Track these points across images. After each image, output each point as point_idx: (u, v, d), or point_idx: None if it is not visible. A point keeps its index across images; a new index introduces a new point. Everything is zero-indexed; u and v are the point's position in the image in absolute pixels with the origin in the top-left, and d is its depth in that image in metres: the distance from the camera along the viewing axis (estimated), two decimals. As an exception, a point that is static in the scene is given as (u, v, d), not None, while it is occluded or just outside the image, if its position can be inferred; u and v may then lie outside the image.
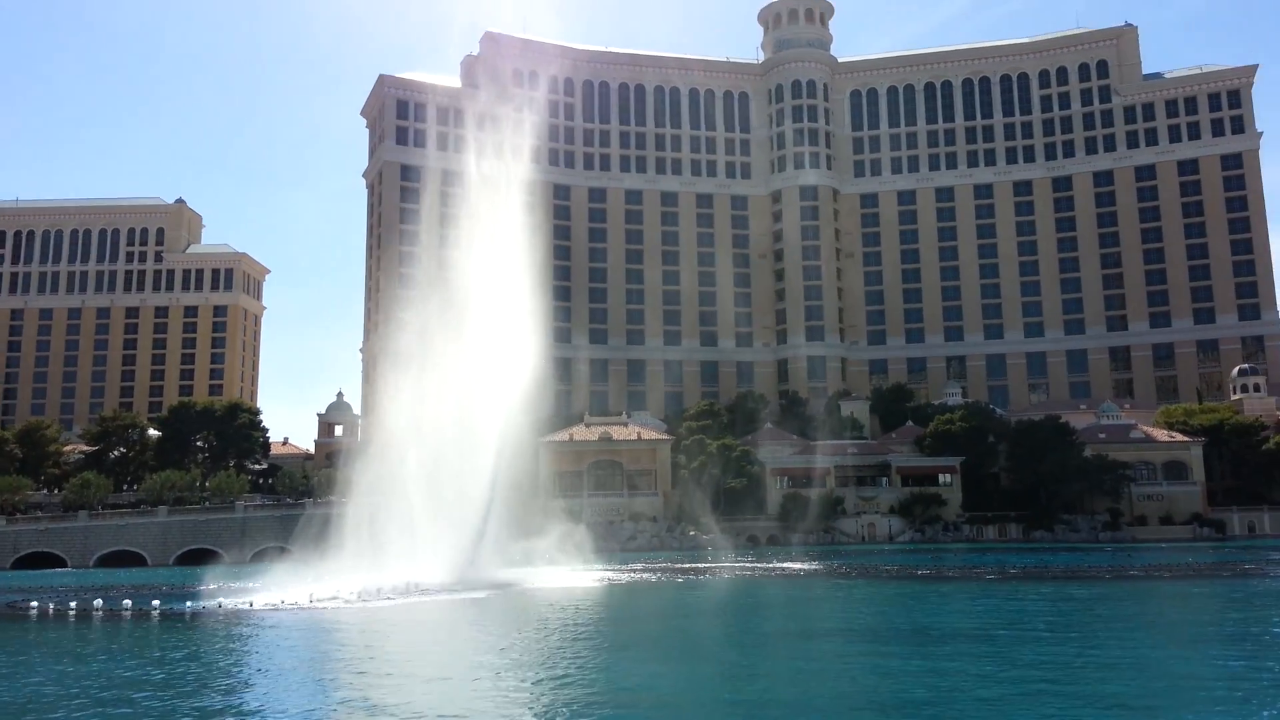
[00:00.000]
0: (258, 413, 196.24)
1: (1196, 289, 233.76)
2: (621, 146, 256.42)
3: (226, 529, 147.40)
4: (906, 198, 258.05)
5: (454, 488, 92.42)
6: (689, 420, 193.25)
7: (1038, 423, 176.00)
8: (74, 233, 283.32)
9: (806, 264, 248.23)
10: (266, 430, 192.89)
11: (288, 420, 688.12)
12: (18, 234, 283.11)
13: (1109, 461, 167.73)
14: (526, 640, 55.09)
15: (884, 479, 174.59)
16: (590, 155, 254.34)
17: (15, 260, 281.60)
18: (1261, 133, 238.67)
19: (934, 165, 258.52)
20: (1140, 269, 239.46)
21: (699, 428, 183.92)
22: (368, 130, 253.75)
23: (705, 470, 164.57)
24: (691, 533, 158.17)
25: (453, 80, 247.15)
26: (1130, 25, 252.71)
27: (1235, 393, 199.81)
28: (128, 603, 70.20)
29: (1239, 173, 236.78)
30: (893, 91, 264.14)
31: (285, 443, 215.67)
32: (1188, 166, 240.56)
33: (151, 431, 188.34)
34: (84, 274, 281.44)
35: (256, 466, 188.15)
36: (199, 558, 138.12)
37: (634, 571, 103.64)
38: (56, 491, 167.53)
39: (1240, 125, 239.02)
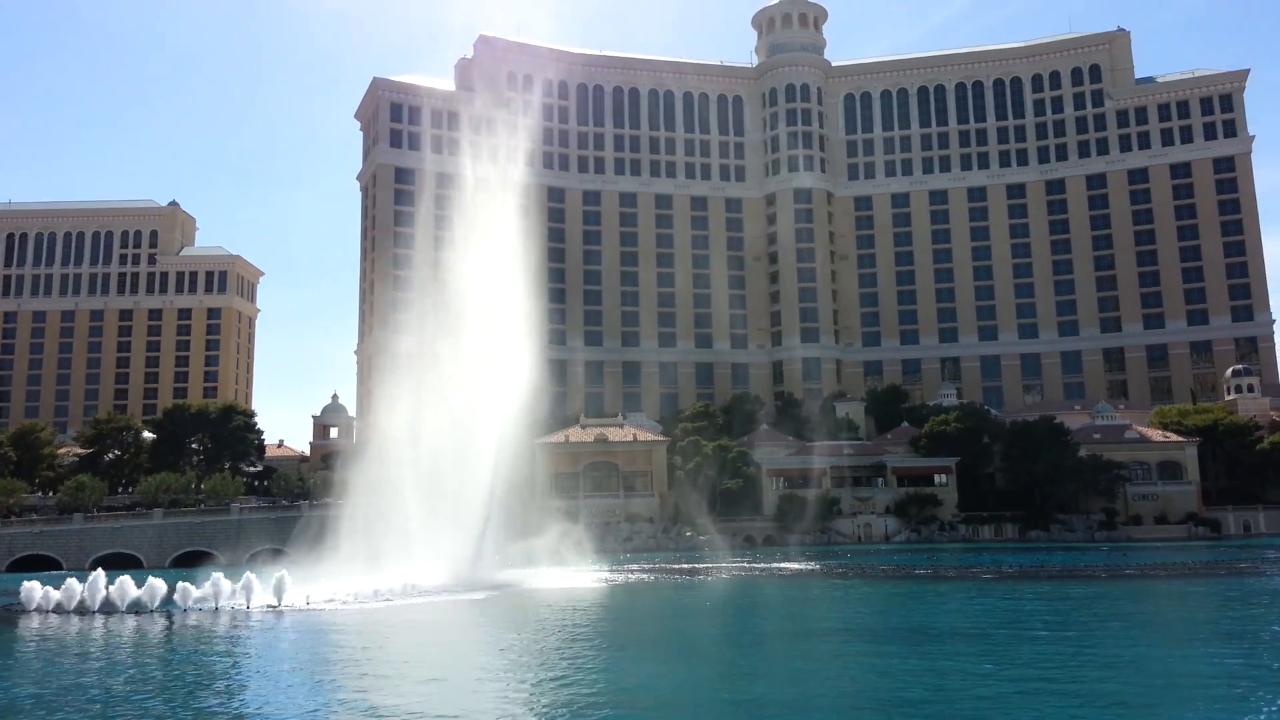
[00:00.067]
0: (252, 415, 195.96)
1: (1190, 291, 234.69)
2: (616, 149, 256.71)
3: (222, 531, 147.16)
4: (900, 200, 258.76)
5: (451, 489, 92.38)
6: (684, 422, 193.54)
7: (1032, 423, 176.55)
8: (67, 235, 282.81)
9: (801, 266, 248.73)
10: (261, 432, 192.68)
11: (283, 422, 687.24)
12: (10, 236, 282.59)
13: (1104, 461, 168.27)
14: (525, 641, 55.08)
15: (880, 479, 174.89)
16: (585, 158, 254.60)
17: (8, 263, 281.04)
18: (1253, 136, 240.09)
19: (927, 168, 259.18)
20: (1133, 271, 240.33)
21: (694, 429, 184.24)
22: (361, 133, 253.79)
23: (701, 471, 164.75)
24: (688, 533, 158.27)
25: (447, 83, 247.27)
26: (1123, 30, 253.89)
27: (1229, 393, 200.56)
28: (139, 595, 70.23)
29: (1231, 176, 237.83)
30: (886, 95, 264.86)
31: (280, 445, 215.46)
32: (1180, 170, 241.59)
33: (146, 434, 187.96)
34: (77, 276, 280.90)
35: (252, 469, 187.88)
36: (194, 560, 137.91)
37: (631, 572, 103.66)
38: (51, 494, 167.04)
39: (1232, 129, 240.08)
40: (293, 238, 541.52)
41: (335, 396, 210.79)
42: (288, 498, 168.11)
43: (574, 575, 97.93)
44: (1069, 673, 43.06)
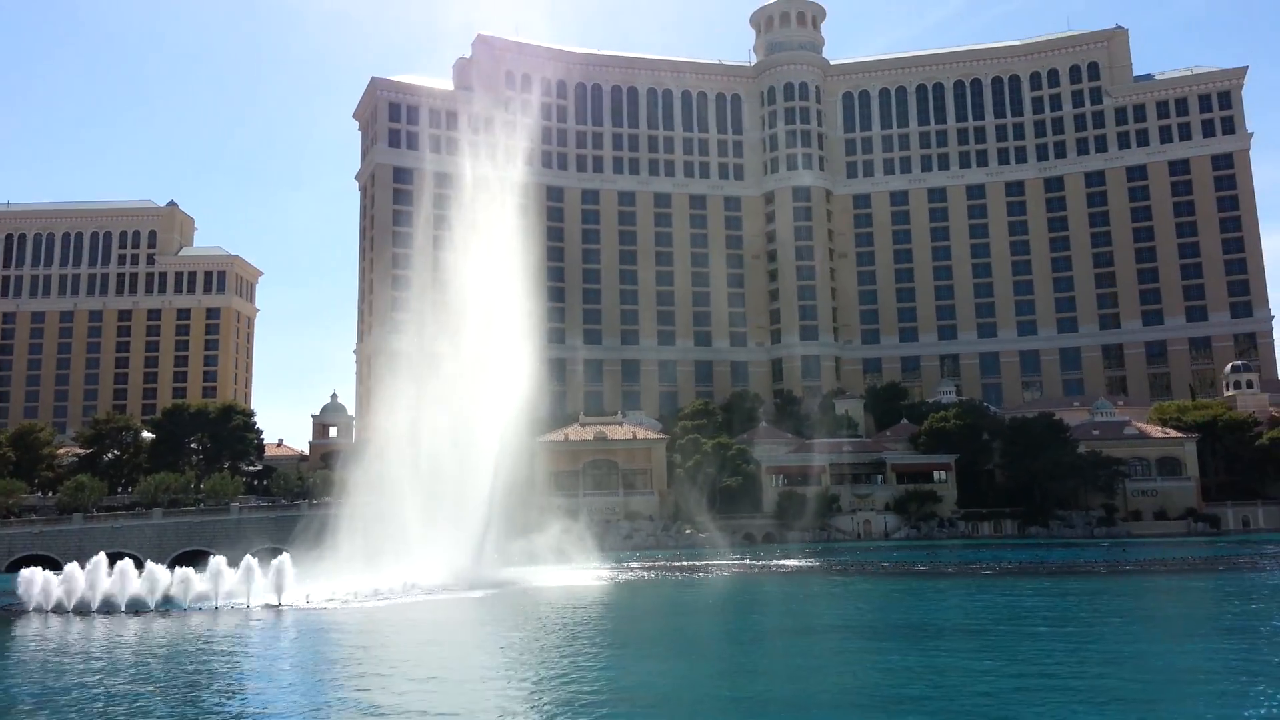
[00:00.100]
0: (252, 414, 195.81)
1: (1188, 287, 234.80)
2: (614, 148, 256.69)
3: (221, 531, 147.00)
4: (899, 198, 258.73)
5: (451, 488, 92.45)
6: (684, 420, 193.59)
7: (1032, 420, 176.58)
8: (66, 236, 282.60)
9: (800, 264, 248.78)
10: (261, 432, 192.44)
11: (282, 422, 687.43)
12: (9, 237, 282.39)
13: (1103, 458, 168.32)
14: (526, 639, 55.15)
15: (879, 476, 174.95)
16: (583, 157, 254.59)
17: (7, 263, 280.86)
18: (1252, 133, 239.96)
19: (926, 166, 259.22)
20: (1132, 268, 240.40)
21: (694, 427, 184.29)
22: (360, 133, 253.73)
23: (701, 469, 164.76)
24: (688, 531, 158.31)
25: (445, 83, 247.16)
26: (1121, 27, 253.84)
27: (1228, 389, 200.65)
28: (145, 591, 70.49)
29: (1230, 173, 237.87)
30: (885, 93, 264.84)
31: (280, 444, 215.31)
32: (1179, 167, 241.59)
33: (145, 434, 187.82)
34: (76, 277, 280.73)
35: (251, 468, 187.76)
36: (194, 559, 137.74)
37: (632, 570, 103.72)
38: (50, 494, 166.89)
39: (1230, 126, 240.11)
40: (291, 238, 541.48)
41: (334, 396, 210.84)
42: (287, 497, 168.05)
43: (575, 573, 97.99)
44: (1069, 668, 43.15)
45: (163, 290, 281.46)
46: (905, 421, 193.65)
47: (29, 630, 60.75)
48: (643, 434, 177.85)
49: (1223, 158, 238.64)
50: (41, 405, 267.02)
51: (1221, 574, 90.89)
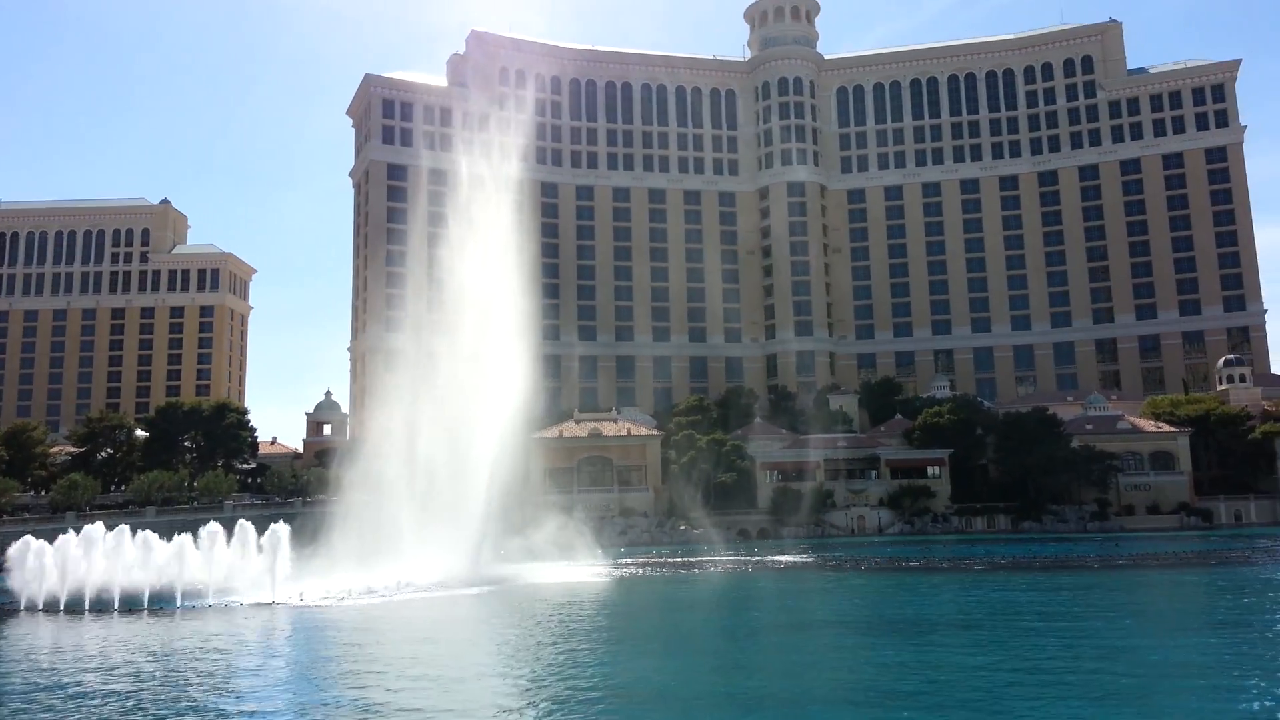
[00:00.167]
0: (245, 412, 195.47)
1: (1182, 281, 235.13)
2: (609, 144, 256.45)
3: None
4: (893, 193, 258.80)
5: (446, 486, 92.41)
6: (679, 416, 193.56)
7: (1025, 415, 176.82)
8: (59, 234, 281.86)
9: (795, 259, 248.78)
10: (254, 430, 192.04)
11: (276, 420, 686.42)
12: (1, 235, 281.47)
13: (1096, 452, 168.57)
14: (523, 635, 55.18)
15: (873, 472, 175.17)
16: (578, 153, 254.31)
17: (0, 262, 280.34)
18: (1245, 126, 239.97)
19: (920, 161, 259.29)
20: (1126, 262, 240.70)
21: (689, 423, 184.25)
22: (354, 130, 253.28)
23: (695, 465, 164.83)
24: (682, 527, 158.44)
25: (439, 79, 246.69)
26: (1114, 21, 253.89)
27: (1221, 383, 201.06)
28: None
29: (1223, 166, 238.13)
30: (879, 88, 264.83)
31: (273, 442, 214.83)
32: (1172, 160, 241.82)
33: (139, 432, 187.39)
34: (69, 275, 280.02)
35: (245, 466, 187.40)
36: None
37: (627, 566, 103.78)
38: (44, 493, 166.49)
39: (1224, 119, 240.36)
40: (285, 235, 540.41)
41: (328, 393, 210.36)
42: (281, 495, 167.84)
43: (570, 570, 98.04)
44: (1063, 663, 43.25)
45: (156, 288, 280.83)
46: (899, 417, 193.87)
47: (20, 630, 60.59)
48: (637, 430, 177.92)
49: (1216, 151, 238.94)
50: (34, 404, 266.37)
51: (1214, 568, 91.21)
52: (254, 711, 36.25)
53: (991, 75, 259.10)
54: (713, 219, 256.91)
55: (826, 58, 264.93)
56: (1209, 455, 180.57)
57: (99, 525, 74.92)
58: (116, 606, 68.89)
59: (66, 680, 42.26)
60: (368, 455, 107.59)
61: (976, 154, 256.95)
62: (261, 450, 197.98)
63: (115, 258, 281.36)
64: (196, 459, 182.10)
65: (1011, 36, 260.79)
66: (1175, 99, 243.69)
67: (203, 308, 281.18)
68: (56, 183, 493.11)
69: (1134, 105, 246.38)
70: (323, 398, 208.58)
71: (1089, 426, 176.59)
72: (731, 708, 36.69)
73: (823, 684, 40.92)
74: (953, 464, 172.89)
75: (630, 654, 49.76)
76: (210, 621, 62.25)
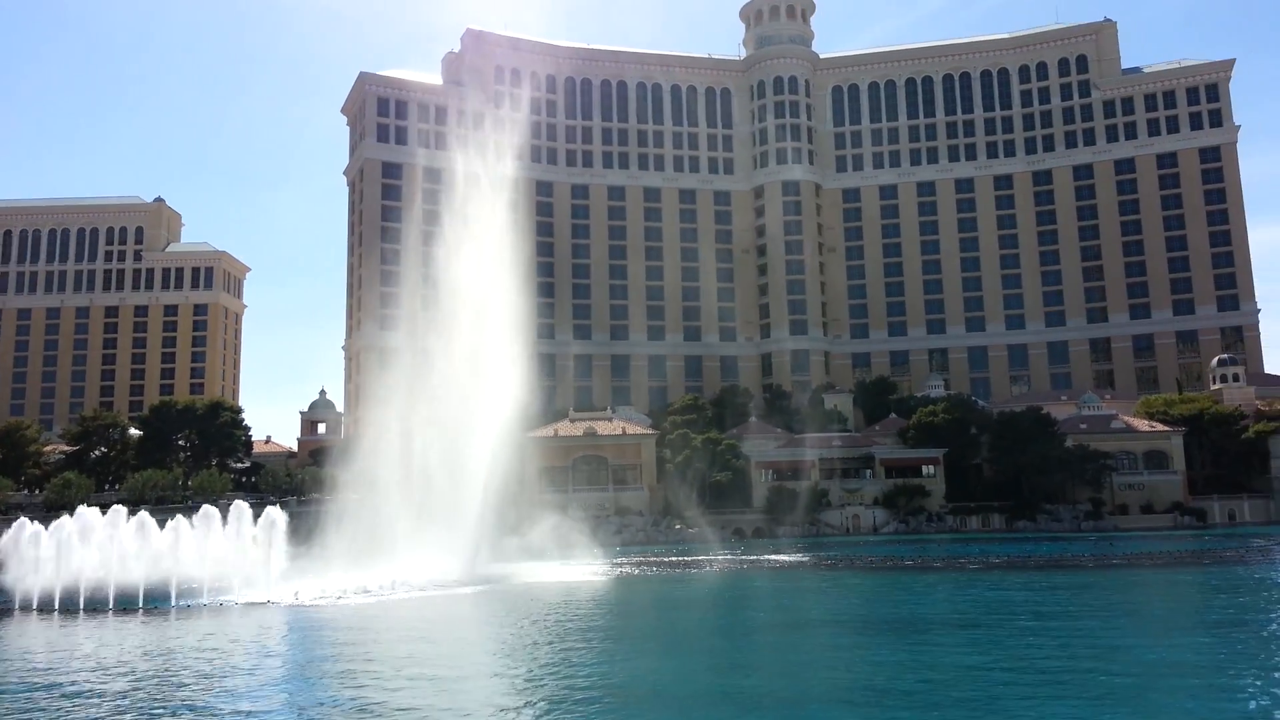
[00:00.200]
0: (240, 411, 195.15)
1: (1176, 281, 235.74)
2: (604, 143, 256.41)
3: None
4: (888, 192, 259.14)
5: (442, 485, 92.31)
6: (674, 414, 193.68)
7: (1019, 414, 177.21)
8: (52, 232, 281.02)
9: (789, 258, 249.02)
10: (249, 428, 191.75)
11: (270, 418, 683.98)
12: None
13: (1090, 451, 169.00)
14: (518, 635, 55.14)
15: (868, 471, 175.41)
16: (573, 152, 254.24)
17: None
18: (1239, 126, 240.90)
19: (915, 160, 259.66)
20: (1120, 261, 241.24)
21: (684, 422, 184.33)
22: (348, 128, 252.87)
23: (691, 464, 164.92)
24: (678, 526, 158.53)
25: (434, 78, 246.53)
26: (1109, 20, 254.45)
27: (1215, 383, 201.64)
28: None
29: (1217, 166, 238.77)
30: (874, 87, 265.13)
31: (268, 441, 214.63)
32: (1166, 160, 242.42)
33: (133, 431, 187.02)
34: (62, 273, 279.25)
35: (239, 465, 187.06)
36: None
37: (623, 565, 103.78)
38: (38, 492, 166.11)
39: (1218, 119, 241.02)
40: (279, 234, 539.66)
41: (323, 392, 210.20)
42: (276, 494, 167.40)
43: (566, 569, 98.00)
44: (1058, 662, 43.31)
45: (150, 286, 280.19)
46: (894, 416, 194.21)
47: (16, 631, 60.40)
48: (632, 429, 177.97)
49: (1210, 150, 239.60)
50: (28, 402, 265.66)
51: (1209, 568, 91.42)
52: (250, 711, 36.19)
53: (986, 75, 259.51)
54: (708, 218, 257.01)
55: (822, 57, 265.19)
56: (1203, 455, 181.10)
57: (94, 510, 74.98)
58: (111, 606, 68.71)
59: (65, 681, 42.15)
60: (363, 454, 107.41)
61: (971, 153, 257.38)
62: (256, 449, 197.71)
63: (109, 256, 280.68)
64: (191, 458, 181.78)
65: (1006, 36, 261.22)
66: (1169, 99, 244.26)
67: (196, 306, 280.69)
68: (50, 181, 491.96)
69: (1128, 105, 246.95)
70: (317, 396, 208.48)
71: (1083, 426, 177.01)
72: (728, 707, 36.68)
73: (819, 683, 40.95)
74: (947, 463, 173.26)
75: (627, 653, 49.75)
76: (206, 621, 62.15)
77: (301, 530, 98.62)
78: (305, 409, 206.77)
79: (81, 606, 68.51)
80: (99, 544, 72.89)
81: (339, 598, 72.41)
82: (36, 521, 75.73)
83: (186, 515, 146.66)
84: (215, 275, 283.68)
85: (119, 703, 37.42)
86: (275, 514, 75.35)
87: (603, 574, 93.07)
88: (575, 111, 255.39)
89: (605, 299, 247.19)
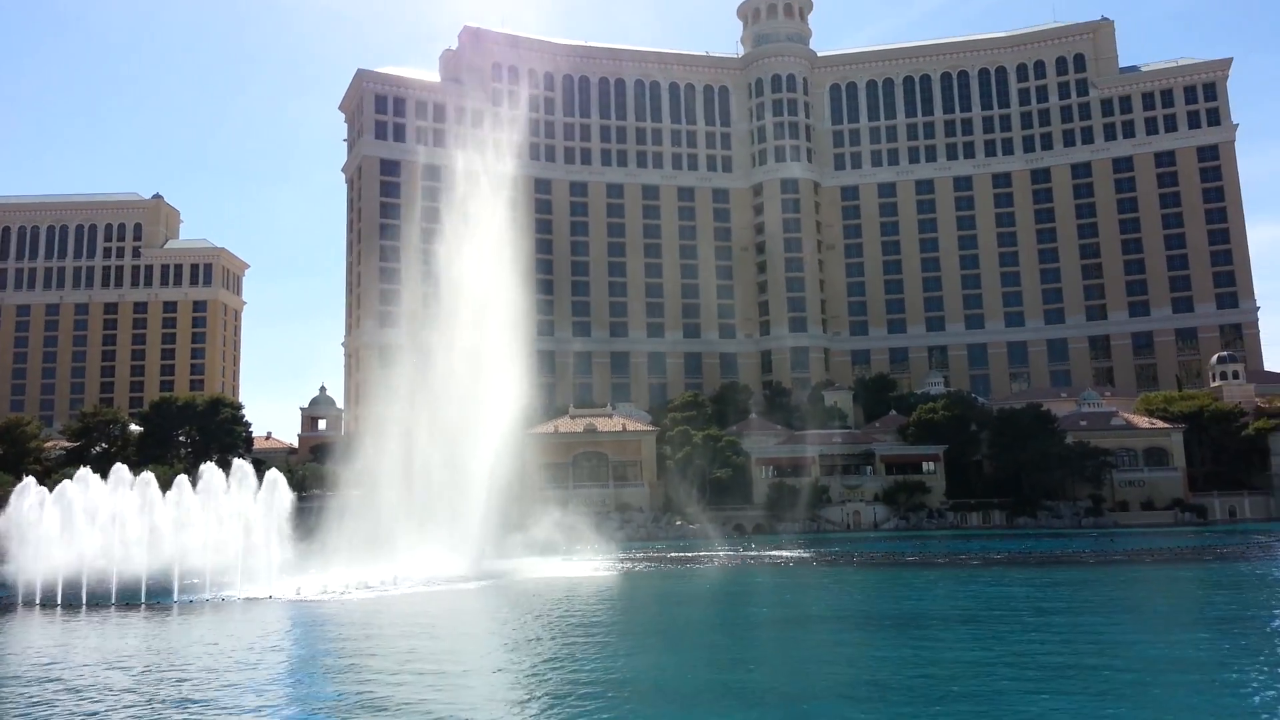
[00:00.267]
0: (240, 407, 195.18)
1: (1175, 278, 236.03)
2: (602, 141, 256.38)
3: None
4: (887, 190, 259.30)
5: (444, 481, 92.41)
6: (674, 411, 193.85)
7: (1019, 411, 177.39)
8: (50, 229, 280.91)
9: (788, 256, 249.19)
10: (249, 425, 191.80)
11: (270, 415, 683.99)
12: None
13: (1090, 448, 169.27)
14: (522, 630, 55.23)
15: (868, 468, 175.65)
16: (571, 149, 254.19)
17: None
18: (1237, 125, 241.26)
19: (914, 158, 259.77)
20: (1119, 259, 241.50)
21: (684, 419, 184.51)
22: (346, 125, 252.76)
23: (691, 461, 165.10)
24: (678, 523, 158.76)
25: (432, 75, 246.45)
26: (1107, 19, 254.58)
27: (1214, 380, 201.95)
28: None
29: (1215, 164, 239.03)
30: (872, 85, 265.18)
31: (268, 437, 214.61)
32: (1165, 158, 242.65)
33: (133, 427, 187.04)
34: (61, 270, 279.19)
35: (239, 461, 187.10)
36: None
37: (624, 561, 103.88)
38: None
39: (1216, 117, 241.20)
40: (278, 231, 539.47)
41: (323, 388, 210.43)
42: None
43: (568, 565, 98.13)
44: (1060, 658, 43.39)
45: (149, 283, 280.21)
46: (894, 413, 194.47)
47: (21, 627, 60.43)
48: (633, 426, 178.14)
49: (1208, 149, 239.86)
50: (28, 398, 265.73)
51: (1209, 564, 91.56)
52: (256, 707, 36.26)
53: (984, 73, 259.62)
54: (706, 215, 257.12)
55: (819, 55, 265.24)
56: (1203, 451, 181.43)
57: (95, 477, 75.24)
58: (114, 601, 68.77)
59: (73, 677, 42.19)
60: (364, 450, 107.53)
61: (969, 151, 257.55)
62: (256, 445, 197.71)
63: (108, 252, 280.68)
64: (191, 454, 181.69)
65: (1004, 34, 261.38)
66: (1167, 97, 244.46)
67: (196, 303, 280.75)
68: (48, 177, 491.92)
69: (1126, 103, 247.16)
70: (317, 393, 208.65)
71: (1083, 423, 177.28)
72: (731, 701, 36.72)
73: (821, 678, 41.04)
74: (947, 460, 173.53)
75: (629, 648, 49.82)
76: (208, 616, 62.24)
77: (303, 526, 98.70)
78: (305, 405, 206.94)
79: (85, 601, 68.59)
80: (101, 526, 72.81)
81: (342, 593, 72.46)
82: (42, 487, 75.94)
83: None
84: (214, 272, 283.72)
85: (125, 698, 37.50)
86: (276, 475, 75.60)
87: (605, 570, 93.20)
88: (574, 109, 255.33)
89: (605, 296, 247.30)
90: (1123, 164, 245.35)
